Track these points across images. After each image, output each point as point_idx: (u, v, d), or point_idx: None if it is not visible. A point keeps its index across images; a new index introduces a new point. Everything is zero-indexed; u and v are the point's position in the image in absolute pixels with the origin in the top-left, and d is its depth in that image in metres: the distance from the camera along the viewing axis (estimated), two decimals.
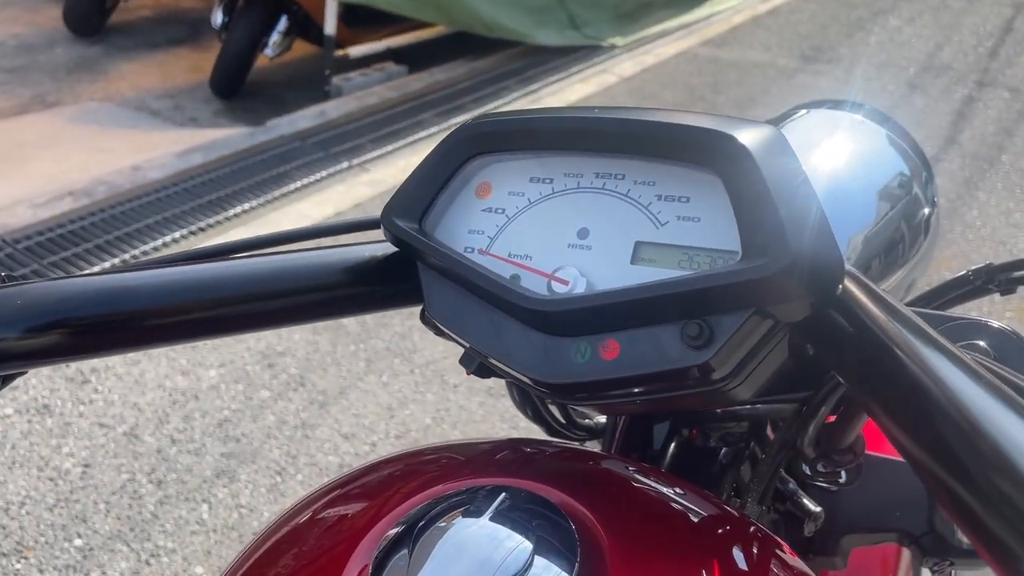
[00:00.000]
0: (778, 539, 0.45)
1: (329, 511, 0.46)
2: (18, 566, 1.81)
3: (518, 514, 0.38)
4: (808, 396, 0.50)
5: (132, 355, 2.42)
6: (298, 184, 3.49)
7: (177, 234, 3.05)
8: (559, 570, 0.36)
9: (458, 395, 2.38)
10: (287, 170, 3.59)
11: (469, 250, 0.47)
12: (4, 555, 1.83)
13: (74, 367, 2.36)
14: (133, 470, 2.07)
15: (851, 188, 0.66)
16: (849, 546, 0.65)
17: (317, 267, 0.50)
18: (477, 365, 0.47)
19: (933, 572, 0.65)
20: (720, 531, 0.43)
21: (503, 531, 0.36)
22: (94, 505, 1.97)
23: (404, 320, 2.64)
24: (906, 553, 0.77)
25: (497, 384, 2.35)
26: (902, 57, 5.44)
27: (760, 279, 0.37)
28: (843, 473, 0.55)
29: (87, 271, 2.66)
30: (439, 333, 0.48)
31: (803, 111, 0.74)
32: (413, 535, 0.38)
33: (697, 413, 0.61)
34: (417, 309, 0.50)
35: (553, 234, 0.45)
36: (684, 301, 0.39)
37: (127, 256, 2.88)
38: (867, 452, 0.57)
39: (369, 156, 3.78)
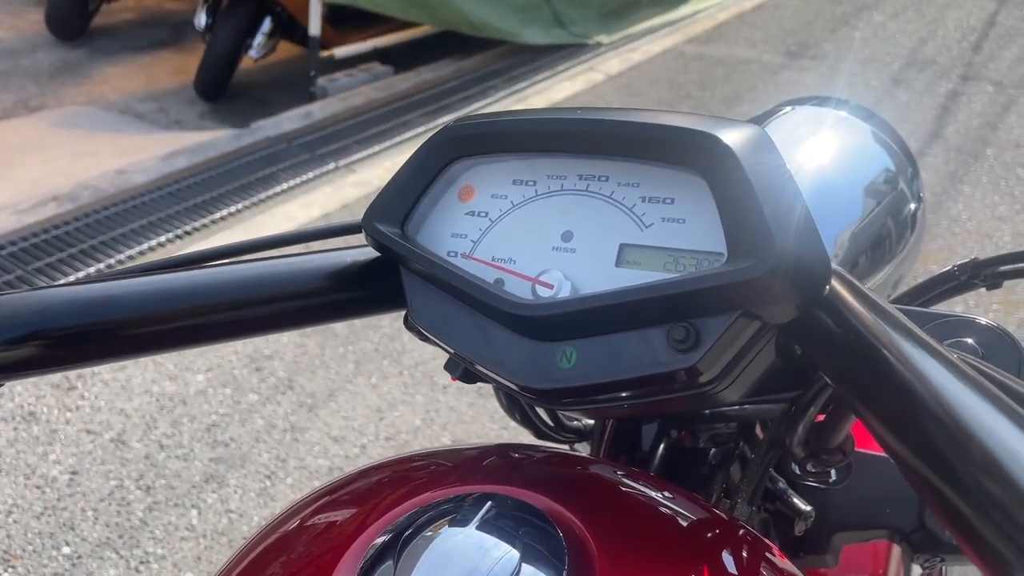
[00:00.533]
0: (767, 541, 0.45)
1: (316, 519, 0.46)
2: (6, 575, 1.79)
3: (505, 522, 0.37)
4: (797, 396, 0.50)
5: None
6: (284, 186, 3.47)
7: (163, 238, 3.03)
8: None
9: (447, 396, 2.37)
10: (273, 172, 3.57)
11: (452, 254, 0.47)
12: None
13: (59, 373, 2.34)
14: (121, 476, 2.05)
15: (837, 185, 0.66)
16: (840, 544, 0.64)
17: (300, 273, 0.49)
18: (462, 371, 0.46)
19: (924, 568, 0.65)
20: (709, 535, 0.42)
21: (490, 540, 0.36)
22: (82, 512, 1.95)
23: (393, 321, 2.63)
24: (896, 549, 0.77)
25: (487, 385, 2.33)
26: (886, 52, 5.46)
27: (746, 281, 0.36)
28: (833, 472, 0.55)
29: (67, 280, 2.63)
30: (423, 339, 0.47)
31: (788, 108, 0.74)
32: (399, 545, 0.37)
33: (686, 414, 0.61)
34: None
35: (537, 237, 0.44)
36: (670, 304, 0.38)
37: (112, 261, 2.86)
38: (857, 449, 0.57)
39: (356, 157, 3.77)
